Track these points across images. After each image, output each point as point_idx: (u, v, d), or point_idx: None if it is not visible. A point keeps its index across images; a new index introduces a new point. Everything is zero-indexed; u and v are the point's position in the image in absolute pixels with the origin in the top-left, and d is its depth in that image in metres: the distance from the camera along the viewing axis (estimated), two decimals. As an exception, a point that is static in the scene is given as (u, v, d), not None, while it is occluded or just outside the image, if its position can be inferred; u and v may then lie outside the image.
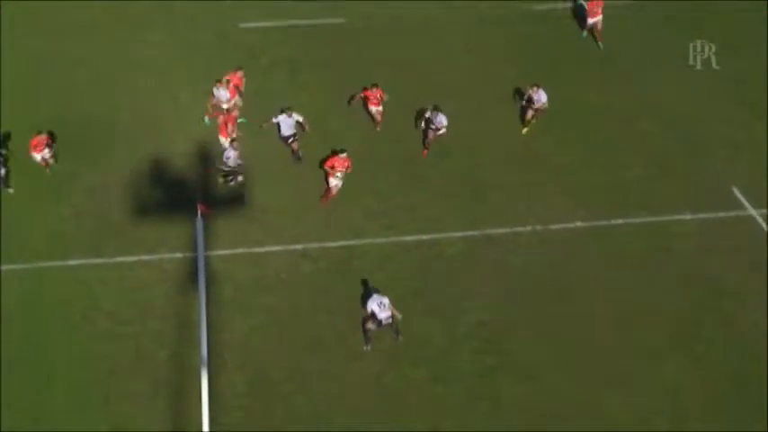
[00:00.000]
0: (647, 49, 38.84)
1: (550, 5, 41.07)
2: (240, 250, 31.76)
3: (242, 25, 40.32)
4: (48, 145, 33.30)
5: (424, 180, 34.20)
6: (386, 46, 39.31)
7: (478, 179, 34.24)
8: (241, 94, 35.68)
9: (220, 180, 33.27)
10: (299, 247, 31.90)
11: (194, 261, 30.81)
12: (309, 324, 29.68)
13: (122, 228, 32.27)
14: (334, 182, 32.51)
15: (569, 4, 41.42)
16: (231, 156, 32.58)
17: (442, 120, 33.78)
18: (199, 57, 38.61)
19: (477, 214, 33.02)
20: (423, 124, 34.33)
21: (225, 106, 35.01)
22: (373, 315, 28.30)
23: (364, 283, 30.58)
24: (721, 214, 33.34)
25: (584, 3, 39.93)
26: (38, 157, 33.17)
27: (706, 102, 37.50)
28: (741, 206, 33.54)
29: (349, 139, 34.49)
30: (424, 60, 38.73)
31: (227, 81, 35.26)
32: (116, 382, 28.01)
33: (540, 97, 34.73)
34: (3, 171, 32.94)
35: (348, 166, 32.36)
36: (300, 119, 33.81)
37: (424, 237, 32.31)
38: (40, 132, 33.23)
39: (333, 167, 32.25)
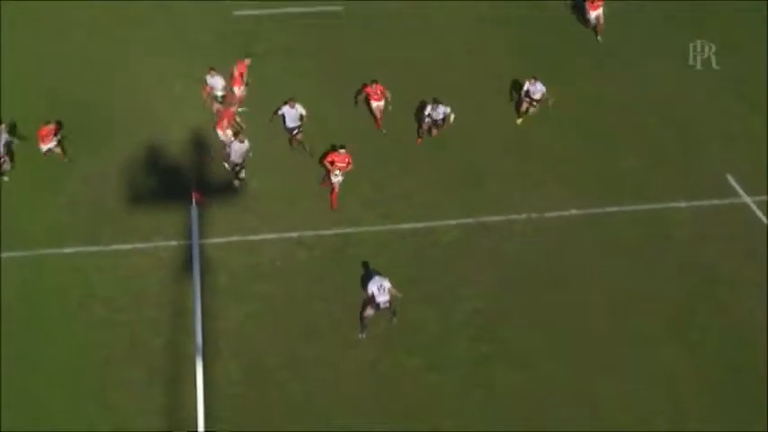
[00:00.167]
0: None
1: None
2: (235, 238, 31.77)
3: (236, 13, 40.21)
4: (55, 135, 33.10)
5: (420, 168, 34.18)
6: (382, 33, 39.22)
7: (474, 168, 34.23)
8: (247, 84, 35.63)
9: (236, 183, 33.08)
10: (294, 234, 31.90)
11: (189, 249, 30.72)
12: (305, 312, 29.71)
13: (117, 215, 32.26)
14: (335, 179, 32.27)
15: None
16: (234, 149, 32.33)
17: (443, 111, 33.82)
18: (193, 44, 38.50)
19: (472, 202, 33.02)
20: (424, 119, 34.32)
21: (219, 94, 34.96)
22: (372, 298, 28.35)
23: (365, 265, 30.67)
24: (716, 202, 33.37)
25: None
26: (44, 148, 32.94)
27: (701, 92, 37.52)
28: (736, 194, 33.57)
29: (345, 127, 34.49)
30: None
31: (240, 74, 35.28)
32: (111, 370, 28.03)
33: (536, 89, 34.68)
34: (8, 166, 32.92)
35: (349, 163, 32.10)
36: (303, 111, 33.70)
37: (420, 225, 32.33)
38: (48, 122, 33.03)
39: (332, 163, 32.06)
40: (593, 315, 29.75)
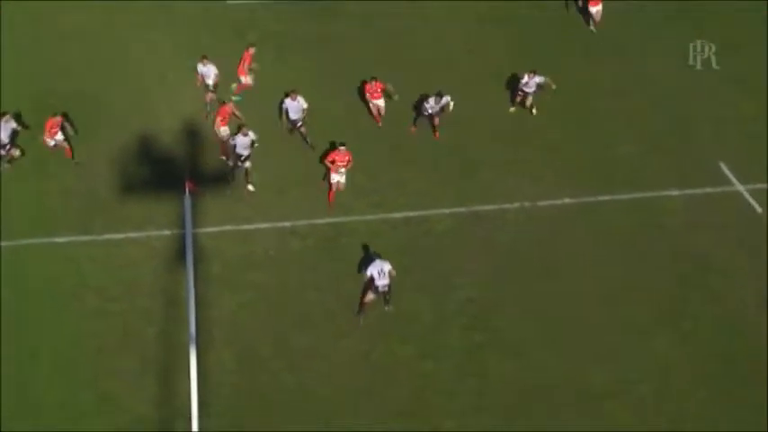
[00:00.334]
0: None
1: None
2: (228, 227, 31.76)
3: (229, 2, 40.17)
4: (62, 128, 32.93)
5: (413, 157, 34.20)
6: (377, 22, 39.17)
7: (467, 156, 34.26)
8: (253, 72, 35.66)
9: (231, 173, 32.85)
10: (287, 224, 31.90)
11: (182, 238, 30.74)
12: (298, 301, 29.71)
13: (110, 205, 32.25)
14: (336, 177, 32.11)
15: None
16: (238, 143, 32.09)
17: (445, 100, 33.87)
18: (186, 33, 38.49)
19: (465, 191, 33.05)
20: (423, 111, 34.29)
21: (210, 82, 34.90)
22: (372, 281, 28.43)
23: (365, 248, 30.83)
24: (709, 190, 33.43)
25: None
26: (51, 142, 32.80)
27: (694, 80, 37.56)
28: (729, 182, 33.63)
29: (337, 116, 34.58)
30: (414, 35, 38.59)
31: (249, 66, 35.35)
32: (105, 359, 28.00)
33: (533, 82, 34.64)
34: (17, 153, 32.88)
35: (349, 161, 31.95)
36: (305, 105, 33.64)
37: (413, 214, 32.34)
38: (54, 114, 32.88)
39: (333, 162, 31.88)
40: (586, 304, 29.79)
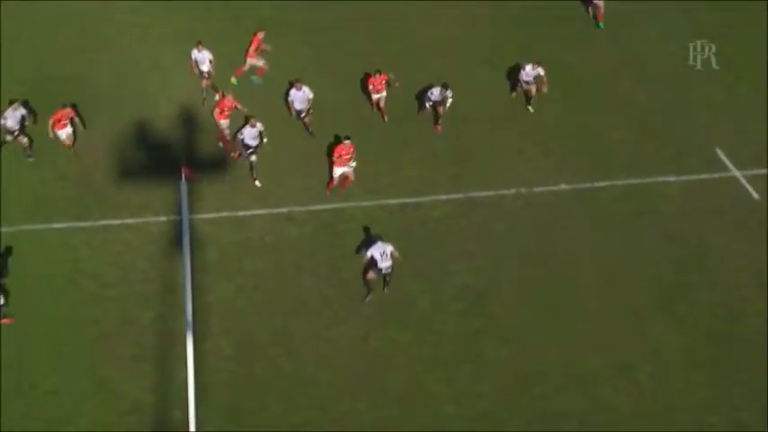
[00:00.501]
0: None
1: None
2: (225, 213, 31.74)
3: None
4: (72, 120, 32.77)
5: (410, 143, 34.18)
6: (373, 8, 39.09)
7: (463, 143, 34.22)
8: (264, 54, 35.79)
9: (254, 180, 32.71)
10: (284, 210, 31.89)
11: (179, 224, 30.75)
12: (295, 288, 29.73)
13: (106, 191, 32.22)
14: (340, 170, 31.89)
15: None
16: (246, 134, 32.04)
17: (447, 94, 33.77)
18: (182, 19, 38.35)
19: (461, 178, 33.04)
20: (426, 103, 34.18)
21: (205, 69, 34.82)
22: (374, 263, 28.54)
23: (366, 230, 30.94)
24: (705, 176, 33.44)
25: None
26: (62, 134, 32.63)
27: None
28: (725, 168, 33.64)
29: (334, 102, 34.46)
30: (409, 19, 38.56)
31: (256, 47, 35.42)
32: (102, 346, 28.04)
33: (533, 73, 34.54)
34: (26, 140, 32.79)
35: (353, 152, 31.77)
36: (311, 95, 33.58)
37: (409, 200, 32.34)
38: (64, 105, 32.68)
39: (339, 156, 31.75)
40: (582, 289, 29.83)
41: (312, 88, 33.69)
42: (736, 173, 33.41)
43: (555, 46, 37.71)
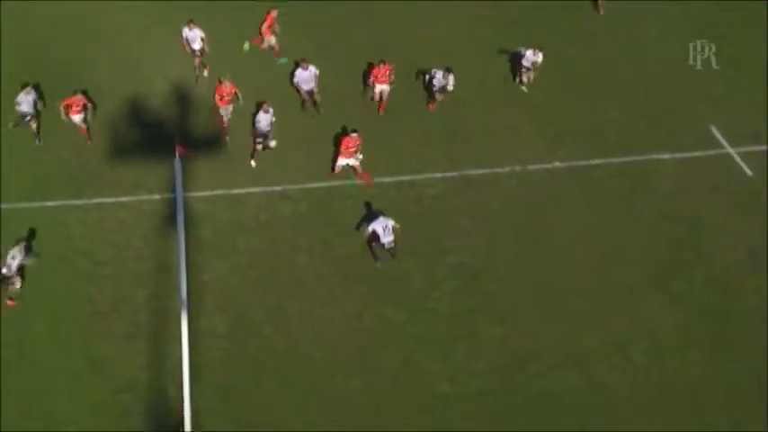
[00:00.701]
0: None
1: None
2: (219, 192, 31.66)
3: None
4: (84, 107, 32.55)
5: (405, 121, 34.08)
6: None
7: (458, 121, 34.14)
8: (276, 35, 35.79)
9: (258, 147, 32.45)
10: (278, 188, 31.83)
11: (173, 202, 30.69)
12: (289, 266, 29.70)
13: (101, 169, 32.11)
14: (344, 161, 31.68)
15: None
16: (261, 120, 31.89)
17: (450, 80, 33.60)
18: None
19: (456, 156, 32.99)
20: (433, 90, 34.07)
21: (196, 47, 34.69)
22: (376, 237, 28.74)
23: (367, 205, 31.00)
24: (699, 153, 33.44)
25: None
26: (77, 118, 32.44)
27: (683, 42, 37.48)
28: (719, 145, 33.64)
29: (329, 80, 34.23)
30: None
31: (269, 25, 35.45)
32: (96, 324, 28.00)
33: (531, 57, 34.44)
34: (35, 125, 32.64)
35: (359, 144, 31.48)
36: (317, 71, 33.45)
37: (405, 178, 32.29)
38: (75, 92, 32.39)
39: (346, 148, 31.50)
40: (577, 267, 29.85)
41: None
42: (730, 150, 33.41)
43: (549, 29, 37.49)
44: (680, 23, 38.67)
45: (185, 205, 30.62)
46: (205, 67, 34.43)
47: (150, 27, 37.06)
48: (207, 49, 34.78)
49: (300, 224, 30.82)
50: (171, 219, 30.29)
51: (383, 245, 28.90)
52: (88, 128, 32.83)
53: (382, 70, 33.67)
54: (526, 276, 29.63)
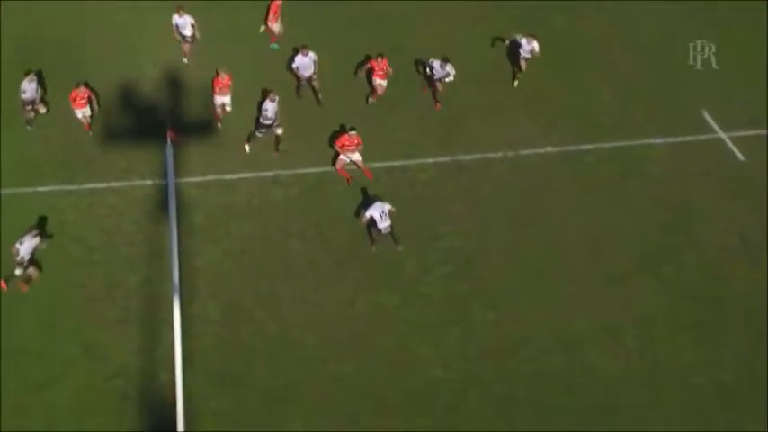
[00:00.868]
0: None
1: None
2: (211, 177, 31.63)
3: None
4: (89, 100, 32.33)
5: (397, 106, 34.03)
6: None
7: (450, 106, 34.11)
8: (280, 21, 35.81)
9: (258, 135, 32.25)
10: (270, 173, 31.81)
11: (165, 188, 30.68)
12: (282, 251, 29.72)
13: (93, 154, 32.05)
14: (343, 159, 31.64)
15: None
16: (268, 108, 31.65)
17: (449, 70, 33.52)
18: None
19: (448, 141, 32.99)
20: (426, 72, 34.00)
21: (187, 33, 34.61)
22: (373, 222, 28.83)
23: (364, 191, 31.02)
24: (691, 138, 33.48)
25: None
26: (79, 113, 32.28)
27: (676, 26, 37.46)
28: (711, 130, 33.69)
29: (321, 66, 34.12)
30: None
31: (275, 12, 35.43)
32: (88, 309, 27.99)
33: (527, 46, 34.35)
34: (44, 110, 32.67)
35: (359, 143, 31.39)
36: (316, 57, 33.40)
37: (396, 163, 32.29)
38: (78, 85, 32.20)
39: (343, 147, 31.39)
40: (569, 252, 29.90)
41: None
42: (722, 135, 33.47)
43: (541, 9, 37.52)
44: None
45: (177, 191, 30.63)
46: (186, 54, 34.49)
47: (143, 12, 36.88)
48: (198, 35, 34.70)
49: (293, 209, 30.83)
50: (163, 204, 30.28)
51: (380, 230, 28.94)
52: (92, 118, 32.68)
53: (380, 64, 33.56)
54: (518, 261, 29.68)
